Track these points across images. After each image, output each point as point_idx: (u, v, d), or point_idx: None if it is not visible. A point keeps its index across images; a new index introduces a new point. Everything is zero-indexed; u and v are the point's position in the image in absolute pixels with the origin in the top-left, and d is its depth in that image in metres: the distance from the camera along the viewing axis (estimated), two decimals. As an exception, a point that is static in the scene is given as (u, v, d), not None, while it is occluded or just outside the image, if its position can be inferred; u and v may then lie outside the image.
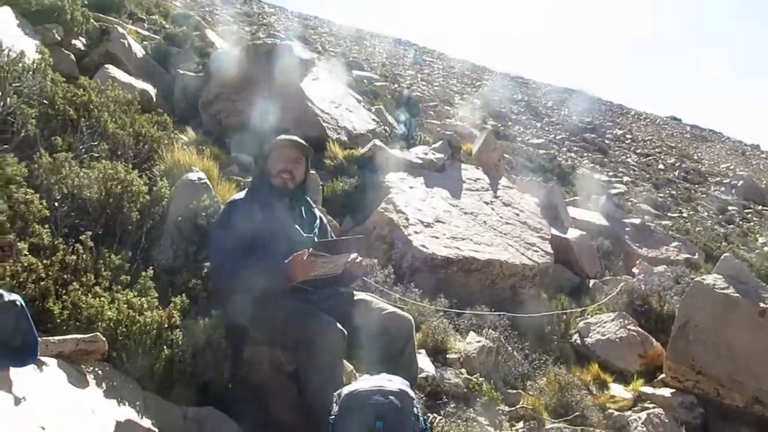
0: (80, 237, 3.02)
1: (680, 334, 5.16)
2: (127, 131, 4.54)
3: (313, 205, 3.50)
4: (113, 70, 7.01)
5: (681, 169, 31.33)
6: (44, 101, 4.25)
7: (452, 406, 3.48)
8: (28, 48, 4.58)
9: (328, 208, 6.05)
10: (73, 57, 6.93)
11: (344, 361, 3.12)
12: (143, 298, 2.90)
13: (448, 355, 4.37)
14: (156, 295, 3.03)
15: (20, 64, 4.28)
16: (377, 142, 7.44)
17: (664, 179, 27.22)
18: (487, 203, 6.94)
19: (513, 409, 4.08)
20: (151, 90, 7.40)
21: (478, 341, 4.56)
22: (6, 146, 3.68)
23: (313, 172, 6.09)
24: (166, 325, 2.85)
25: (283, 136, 3.43)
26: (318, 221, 3.42)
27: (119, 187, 3.58)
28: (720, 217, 23.10)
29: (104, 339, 2.57)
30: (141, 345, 2.73)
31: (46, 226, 3.12)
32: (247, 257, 3.02)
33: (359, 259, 3.25)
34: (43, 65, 4.46)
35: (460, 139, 9.69)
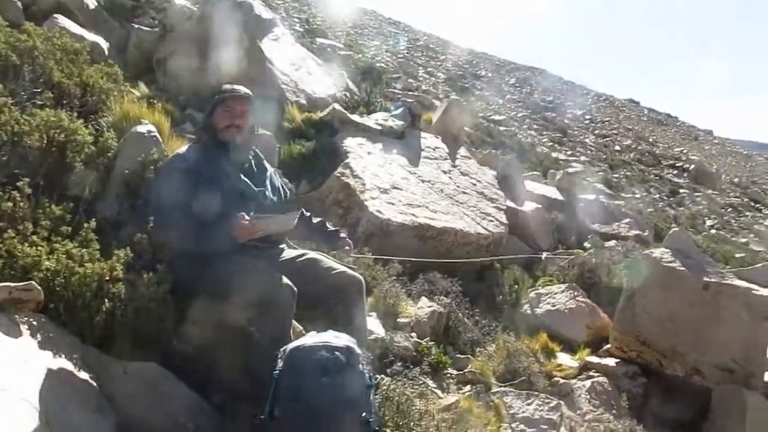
0: (17, 184, 2.88)
1: (627, 306, 5.27)
2: (73, 80, 4.33)
3: (263, 158, 3.41)
4: (63, 20, 6.69)
5: (636, 152, 32.01)
6: (-16, 47, 4.03)
7: (399, 365, 3.48)
8: (-33, -9, 4.33)
9: (285, 172, 5.94)
10: (19, 4, 6.59)
11: (293, 320, 3.09)
12: (84, 250, 2.79)
13: (398, 319, 4.37)
14: (98, 247, 2.91)
15: (-40, 8, 4.05)
16: (336, 106, 7.32)
17: (620, 160, 27.78)
18: (445, 172, 6.93)
19: (461, 373, 4.12)
20: (103, 43, 7.10)
21: (430, 306, 4.57)
22: (-60, 89, 3.48)
23: (270, 133, 5.97)
24: (108, 278, 2.75)
25: (226, 86, 3.33)
26: (269, 174, 3.34)
27: (62, 135, 3.42)
28: (671, 199, 23.75)
29: (40, 288, 2.47)
30: (80, 297, 2.63)
31: (-18, 172, 2.97)
32: (191, 215, 2.93)
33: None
34: (-16, 10, 4.23)
35: (422, 108, 9.63)
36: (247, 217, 2.82)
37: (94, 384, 2.48)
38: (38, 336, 2.41)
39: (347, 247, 3.57)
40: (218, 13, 7.67)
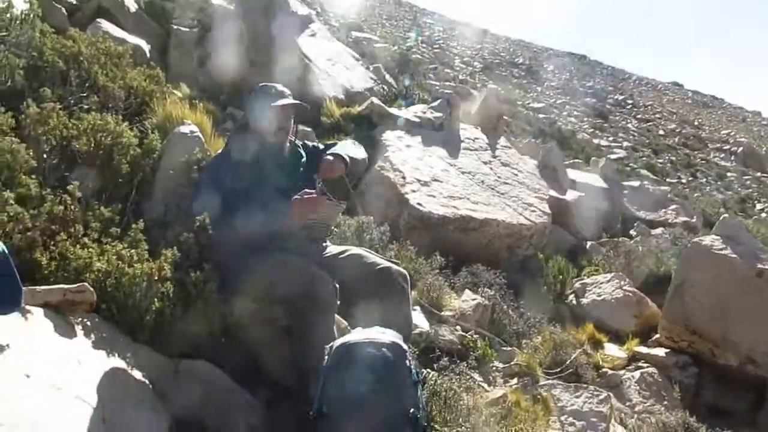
0: (68, 188, 2.96)
1: (676, 295, 5.15)
2: (118, 84, 4.43)
3: (298, 145, 3.42)
4: (105, 24, 6.83)
5: (681, 135, 31.18)
6: (33, 53, 4.14)
7: (445, 359, 3.47)
8: (16, -1, 4.45)
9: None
10: (64, 11, 6.75)
11: (337, 316, 3.10)
12: (133, 250, 2.85)
13: (443, 313, 4.35)
14: (146, 247, 2.97)
15: (7, 14, 4.16)
16: (375, 99, 7.32)
17: (664, 145, 27.11)
18: (485, 163, 6.86)
19: (507, 365, 4.08)
20: (145, 46, 7.23)
21: (474, 299, 4.54)
22: (-8, 97, 3.59)
23: (309, 129, 6.01)
24: (157, 278, 2.80)
25: (270, 88, 3.31)
26: (304, 159, 3.35)
27: (109, 138, 3.51)
28: (719, 183, 23.07)
29: (92, 289, 2.54)
30: (131, 297, 2.68)
31: (34, 176, 3.05)
32: (235, 210, 2.97)
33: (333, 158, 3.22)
34: (31, 16, 4.34)
35: (460, 100, 9.54)
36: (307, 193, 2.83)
37: (147, 382, 2.53)
38: (92, 336, 2.47)
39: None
40: (256, 10, 7.73)
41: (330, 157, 3.20)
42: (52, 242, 2.73)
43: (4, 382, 1.90)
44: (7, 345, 2.03)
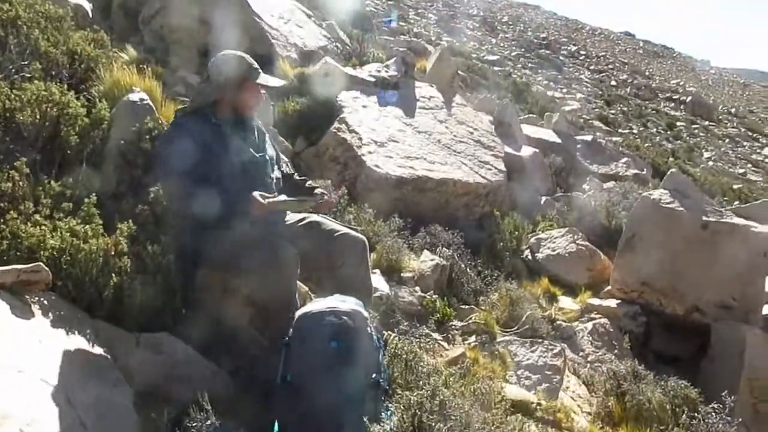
0: (15, 163, 2.87)
1: (627, 248, 5.35)
2: (60, 49, 4.26)
3: (259, 123, 3.37)
4: (43, -17, 6.52)
5: (633, 86, 31.67)
6: (-35, 17, 3.95)
7: (406, 323, 3.55)
8: (-57, -42, 4.20)
9: (280, 130, 5.89)
10: (-3, -31, 6.41)
11: (299, 282, 3.13)
12: (87, 226, 2.81)
13: (402, 274, 4.43)
14: (101, 222, 2.93)
15: (-63, -23, 3.95)
16: (329, 59, 7.20)
17: (616, 96, 27.51)
18: (441, 122, 6.87)
19: (465, 324, 4.19)
20: (86, 4, 6.91)
21: (432, 259, 4.62)
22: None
23: (264, 92, 5.89)
24: (113, 253, 2.78)
25: (237, 55, 3.19)
26: (267, 139, 3.32)
27: (55, 109, 3.40)
28: (668, 133, 23.63)
29: (47, 268, 2.50)
30: (87, 273, 2.66)
31: (-23, 152, 2.96)
32: (200, 183, 2.89)
33: (327, 196, 3.27)
34: (-37, -21, 4.13)
35: (415, 56, 9.47)
36: (261, 199, 2.81)
37: (109, 357, 2.53)
38: (50, 315, 2.45)
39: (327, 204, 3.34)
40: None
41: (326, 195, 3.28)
42: (2, 221, 2.67)
43: (-39, 368, 1.89)
44: (-37, 330, 2.00)
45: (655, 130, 23.33)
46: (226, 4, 7.05)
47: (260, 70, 3.17)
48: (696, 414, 3.63)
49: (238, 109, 3.13)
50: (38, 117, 3.35)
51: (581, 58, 35.88)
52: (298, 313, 2.55)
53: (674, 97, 31.12)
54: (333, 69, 6.85)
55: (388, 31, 16.37)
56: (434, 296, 4.25)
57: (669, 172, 5.68)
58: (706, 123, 27.54)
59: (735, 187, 16.16)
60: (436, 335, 3.83)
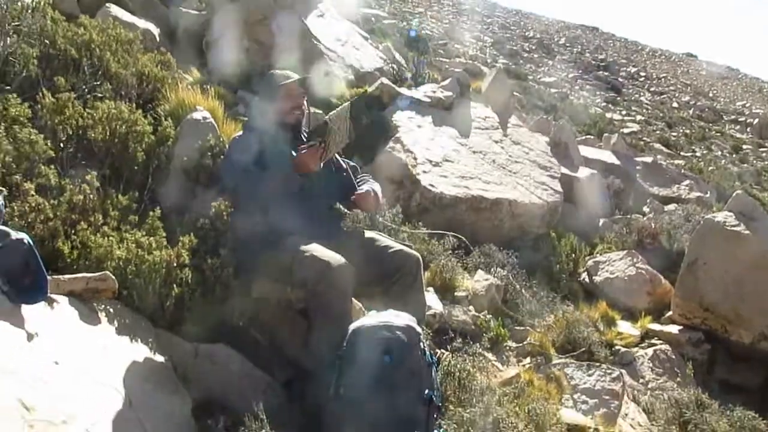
0: (86, 177, 3.02)
1: (689, 272, 5.16)
2: (129, 71, 4.47)
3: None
4: (115, 9, 6.84)
5: (695, 108, 30.80)
6: (45, 41, 4.18)
7: (459, 341, 3.52)
8: (26, -14, 4.48)
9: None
10: (73, -4, 6.78)
11: (353, 298, 3.15)
12: (152, 238, 2.92)
13: (456, 293, 4.40)
14: (164, 234, 3.04)
15: (19, 3, 4.20)
16: (385, 80, 7.30)
17: (678, 118, 26.79)
18: (496, 142, 6.85)
19: (520, 345, 4.13)
20: (154, 29, 7.23)
21: (486, 279, 4.58)
22: (8, 87, 3.64)
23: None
24: (175, 264, 2.87)
25: (278, 72, 3.43)
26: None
27: (124, 127, 3.56)
28: (734, 156, 22.81)
29: (113, 277, 2.60)
30: (151, 283, 2.75)
31: (52, 166, 3.11)
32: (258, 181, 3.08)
33: (373, 193, 3.42)
34: (42, 3, 4.38)
35: (470, 78, 9.49)
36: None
37: (169, 365, 2.61)
38: (115, 322, 2.55)
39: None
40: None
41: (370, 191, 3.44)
42: (73, 231, 2.81)
43: (34, 369, 1.98)
44: (36, 333, 2.10)
45: (719, 153, 22.55)
46: (287, 28, 7.25)
47: (292, 77, 3.36)
48: (764, 446, 3.46)
49: (280, 116, 3.32)
50: (108, 134, 3.51)
51: (641, 79, 35.17)
52: (351, 327, 2.57)
53: (740, 120, 30.07)
54: (388, 89, 6.93)
55: (444, 54, 16.48)
56: (488, 316, 4.21)
57: (734, 194, 5.47)
58: (775, 146, 26.45)
59: (806, 212, 15.43)
60: (489, 355, 3.79)
